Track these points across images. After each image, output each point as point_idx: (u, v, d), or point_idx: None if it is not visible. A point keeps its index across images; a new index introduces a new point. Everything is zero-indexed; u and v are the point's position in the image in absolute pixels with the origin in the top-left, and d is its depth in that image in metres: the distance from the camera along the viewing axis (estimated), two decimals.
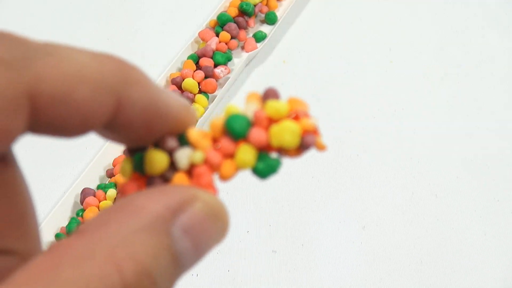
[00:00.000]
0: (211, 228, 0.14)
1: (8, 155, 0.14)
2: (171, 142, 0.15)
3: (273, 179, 0.44)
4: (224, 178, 0.15)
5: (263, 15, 0.52)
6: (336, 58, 0.51)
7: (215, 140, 0.16)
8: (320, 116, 0.48)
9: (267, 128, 0.15)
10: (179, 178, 0.15)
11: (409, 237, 0.42)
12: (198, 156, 0.15)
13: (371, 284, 0.40)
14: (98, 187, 0.41)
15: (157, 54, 0.50)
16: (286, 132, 0.15)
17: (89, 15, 0.53)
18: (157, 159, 0.15)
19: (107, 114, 0.14)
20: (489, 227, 0.43)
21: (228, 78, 0.48)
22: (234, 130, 0.15)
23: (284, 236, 0.42)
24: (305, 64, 0.51)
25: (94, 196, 0.41)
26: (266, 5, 0.52)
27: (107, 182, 0.42)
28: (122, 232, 0.13)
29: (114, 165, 0.43)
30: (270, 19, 0.51)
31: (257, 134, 0.15)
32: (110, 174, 0.42)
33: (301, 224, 0.42)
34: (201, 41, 0.49)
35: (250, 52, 0.49)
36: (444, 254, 0.42)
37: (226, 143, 0.15)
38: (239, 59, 0.49)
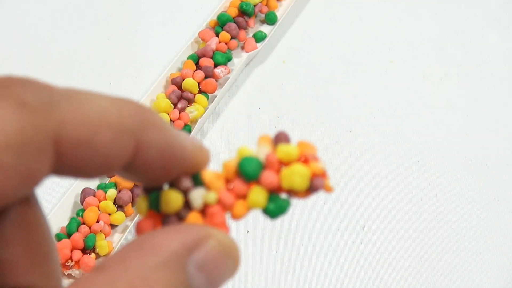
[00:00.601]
0: (224, 265, 0.15)
1: (32, 196, 0.15)
2: (186, 183, 0.16)
3: None
4: (236, 217, 0.16)
5: (263, 15, 0.52)
6: (336, 58, 0.51)
7: (227, 180, 0.16)
8: (320, 116, 0.48)
9: (278, 171, 0.16)
10: (194, 217, 0.16)
11: (409, 237, 0.42)
12: (211, 196, 0.16)
13: (371, 284, 0.40)
14: (98, 187, 0.41)
15: (157, 54, 0.50)
16: (296, 176, 0.16)
17: (89, 15, 0.53)
18: (173, 199, 0.16)
19: (126, 157, 0.15)
20: (489, 227, 0.43)
21: (228, 78, 0.48)
22: (247, 173, 0.16)
23: (284, 236, 0.42)
24: (305, 64, 0.51)
25: (94, 196, 0.41)
26: (266, 5, 0.52)
27: (107, 182, 0.42)
28: (141, 268, 0.13)
29: None
30: (270, 19, 0.51)
31: (269, 177, 0.16)
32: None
33: (301, 224, 0.42)
34: (201, 41, 0.49)
35: (250, 52, 0.49)
36: (444, 254, 0.42)
37: (238, 185, 0.16)
38: (239, 59, 0.49)
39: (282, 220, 0.42)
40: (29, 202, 0.15)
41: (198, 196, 0.16)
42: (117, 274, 0.13)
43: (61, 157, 0.14)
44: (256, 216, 0.46)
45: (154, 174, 0.16)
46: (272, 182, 0.16)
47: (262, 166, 0.16)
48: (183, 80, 0.46)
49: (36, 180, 0.13)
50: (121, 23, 0.53)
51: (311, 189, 0.16)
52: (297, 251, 0.41)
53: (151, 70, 0.49)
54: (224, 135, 0.47)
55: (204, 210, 0.16)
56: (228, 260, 0.15)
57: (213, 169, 0.17)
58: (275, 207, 0.16)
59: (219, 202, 0.16)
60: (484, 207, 0.44)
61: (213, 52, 0.47)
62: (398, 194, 0.44)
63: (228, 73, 0.47)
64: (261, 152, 0.16)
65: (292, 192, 0.16)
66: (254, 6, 0.50)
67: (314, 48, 0.52)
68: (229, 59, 0.48)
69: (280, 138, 0.17)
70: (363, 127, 0.47)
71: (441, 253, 0.42)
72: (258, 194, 0.16)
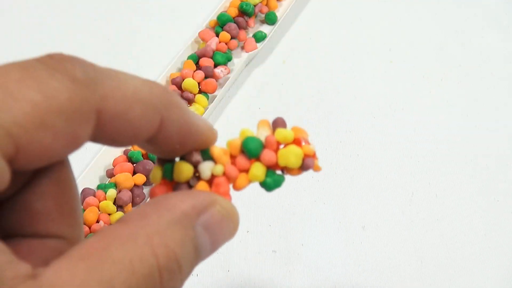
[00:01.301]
0: (226, 227, 0.18)
1: (66, 158, 0.17)
2: (197, 157, 0.19)
3: None
4: (237, 188, 0.19)
5: (263, 15, 0.52)
6: (336, 58, 0.51)
7: (232, 156, 0.19)
8: (320, 116, 0.48)
9: (275, 150, 0.19)
10: (202, 185, 0.19)
11: (409, 237, 0.42)
12: (218, 168, 0.18)
13: (371, 284, 0.40)
14: (98, 187, 0.41)
15: (157, 54, 0.50)
16: (291, 155, 0.19)
17: (89, 15, 0.53)
18: (185, 169, 0.19)
19: (152, 130, 0.17)
20: (489, 227, 0.43)
21: (228, 78, 0.48)
22: (250, 150, 0.19)
23: (284, 236, 0.42)
24: (305, 64, 0.51)
25: (94, 196, 0.41)
26: (266, 5, 0.52)
27: (107, 182, 0.42)
28: (157, 224, 0.15)
29: (114, 165, 0.43)
30: (270, 19, 0.51)
31: (268, 154, 0.19)
32: (110, 174, 0.42)
33: (301, 224, 0.42)
34: (201, 41, 0.49)
35: (250, 52, 0.49)
36: (444, 254, 0.42)
37: (241, 160, 0.19)
38: (239, 59, 0.49)
39: (282, 220, 0.43)
40: (64, 162, 0.17)
41: (207, 168, 0.18)
42: (136, 228, 0.15)
43: (101, 127, 0.16)
44: (256, 216, 0.46)
45: (172, 148, 0.18)
46: (271, 160, 0.19)
47: (262, 146, 0.19)
48: (183, 80, 0.46)
49: (78, 143, 0.15)
50: (121, 23, 0.53)
51: (303, 167, 0.19)
52: (297, 251, 0.41)
53: (151, 70, 0.49)
54: (224, 135, 0.46)
55: (211, 180, 0.19)
56: (229, 223, 0.18)
57: (219, 146, 0.19)
58: (271, 181, 0.19)
59: (225, 174, 0.19)
60: (484, 207, 0.44)
61: (213, 52, 0.47)
62: (398, 194, 0.44)
63: (228, 73, 0.47)
64: (262, 134, 0.19)
65: (286, 169, 0.19)
66: (254, 6, 0.50)
67: (314, 48, 0.52)
68: (229, 59, 0.48)
69: (278, 123, 0.19)
70: (363, 127, 0.47)
71: (441, 253, 0.42)
72: (258, 169, 0.19)
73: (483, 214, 0.44)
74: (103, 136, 0.16)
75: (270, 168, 0.19)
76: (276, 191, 0.43)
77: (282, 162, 0.19)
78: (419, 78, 0.51)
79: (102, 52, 0.50)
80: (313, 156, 0.19)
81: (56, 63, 0.15)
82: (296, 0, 0.53)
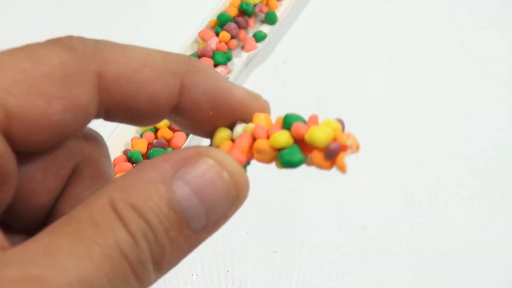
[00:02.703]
0: (223, 189, 0.15)
1: (105, 154, 0.18)
2: (239, 127, 0.17)
3: (273, 179, 0.43)
4: (256, 150, 0.17)
5: (263, 15, 0.52)
6: (336, 58, 0.51)
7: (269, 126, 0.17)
8: (320, 116, 0.48)
9: (308, 127, 0.17)
10: (225, 144, 0.17)
11: (409, 237, 0.42)
12: (250, 126, 0.17)
13: (371, 285, 0.40)
14: None
15: None
16: (319, 131, 0.17)
17: (89, 15, 0.53)
18: (222, 133, 0.17)
19: (172, 96, 0.16)
20: (490, 228, 0.43)
21: (228, 78, 0.47)
22: (286, 119, 0.17)
23: (284, 237, 0.42)
24: (305, 64, 0.51)
25: None
26: (266, 5, 0.52)
27: None
28: (135, 181, 0.14)
29: (114, 165, 0.43)
30: (270, 19, 0.51)
31: (298, 125, 0.17)
32: None
33: (301, 224, 0.42)
34: (201, 41, 0.49)
35: (250, 52, 0.49)
36: (445, 254, 0.42)
37: (274, 127, 0.17)
38: (239, 59, 0.49)
39: (282, 220, 0.42)
40: (101, 157, 0.17)
41: (240, 128, 0.17)
42: (116, 183, 0.14)
43: (106, 92, 0.15)
44: (256, 217, 0.46)
45: (204, 118, 0.17)
46: (299, 130, 0.17)
47: (304, 122, 0.17)
48: None
49: (80, 110, 0.14)
50: (121, 23, 0.53)
51: (327, 151, 0.17)
52: (297, 252, 0.41)
53: None
54: None
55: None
56: (228, 185, 0.15)
57: (265, 114, 0.18)
58: (289, 153, 0.17)
59: (253, 133, 0.17)
60: (484, 207, 0.44)
61: (213, 52, 0.47)
62: (399, 194, 0.44)
63: (228, 73, 0.47)
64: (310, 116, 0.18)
65: (310, 149, 0.17)
66: (254, 5, 0.50)
67: (314, 48, 0.52)
68: (229, 59, 0.48)
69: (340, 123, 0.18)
70: (363, 126, 0.47)
71: (441, 254, 0.42)
72: (282, 134, 0.17)
73: (484, 214, 0.44)
74: (115, 108, 0.15)
75: (297, 143, 0.17)
76: (276, 191, 0.43)
77: (308, 136, 0.17)
78: (419, 78, 0.51)
79: None
80: (343, 147, 0.17)
81: (54, 39, 0.15)
82: (296, 0, 0.53)
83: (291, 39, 0.52)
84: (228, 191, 0.15)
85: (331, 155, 0.17)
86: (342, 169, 0.17)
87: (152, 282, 0.14)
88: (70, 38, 0.15)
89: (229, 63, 0.49)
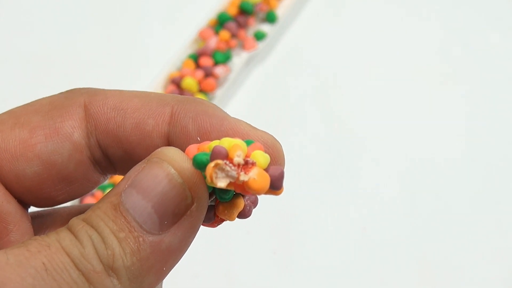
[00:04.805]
0: (162, 179, 0.14)
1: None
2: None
3: None
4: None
5: (263, 14, 0.52)
6: (337, 58, 0.51)
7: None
8: (320, 116, 0.47)
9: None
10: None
11: (410, 238, 0.42)
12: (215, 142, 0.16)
13: (371, 285, 0.40)
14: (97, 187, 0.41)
15: (157, 54, 0.50)
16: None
17: (89, 15, 0.53)
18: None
19: (160, 122, 0.16)
20: (489, 228, 0.43)
21: (228, 77, 0.47)
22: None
23: (284, 238, 0.41)
24: (305, 64, 0.51)
25: (93, 196, 0.40)
26: (267, 4, 0.51)
27: (106, 183, 0.42)
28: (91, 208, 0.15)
29: None
30: (271, 18, 0.51)
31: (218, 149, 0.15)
32: None
33: (301, 225, 0.42)
34: (201, 40, 0.49)
35: (250, 51, 0.49)
36: (445, 254, 0.42)
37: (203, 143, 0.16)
38: (239, 59, 0.49)
39: (282, 221, 0.42)
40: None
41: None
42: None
43: (93, 121, 0.15)
44: (256, 217, 0.46)
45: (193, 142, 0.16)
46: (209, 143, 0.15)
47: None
48: (183, 79, 0.45)
49: (63, 137, 0.15)
50: (121, 22, 0.52)
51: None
52: (297, 252, 0.41)
53: (151, 69, 0.49)
54: None
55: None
56: (167, 174, 0.14)
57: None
58: (199, 156, 0.15)
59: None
60: (485, 208, 0.44)
61: (213, 51, 0.47)
62: (399, 195, 0.44)
63: (228, 72, 0.47)
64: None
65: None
66: (254, 5, 0.49)
67: (315, 47, 0.52)
68: (229, 58, 0.48)
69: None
70: (364, 126, 0.47)
71: (442, 254, 0.42)
72: (203, 148, 0.16)
73: (485, 215, 0.44)
74: (103, 135, 0.15)
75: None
76: None
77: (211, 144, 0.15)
78: (421, 78, 0.50)
79: (102, 52, 0.50)
80: (220, 155, 0.15)
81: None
82: None
83: (292, 38, 0.52)
84: (174, 183, 0.14)
85: (212, 156, 0.15)
86: (207, 177, 0.15)
87: None
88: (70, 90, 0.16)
89: (229, 63, 0.48)
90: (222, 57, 0.47)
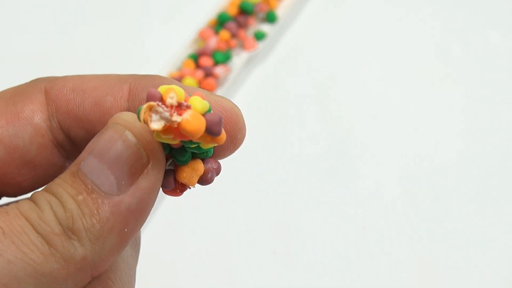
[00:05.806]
0: (115, 140, 0.15)
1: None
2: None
3: (273, 179, 0.43)
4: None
5: (263, 14, 0.52)
6: (337, 57, 0.51)
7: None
8: (320, 116, 0.47)
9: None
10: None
11: (410, 238, 0.42)
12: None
13: (371, 285, 0.40)
14: None
15: (157, 53, 0.50)
16: (163, 87, 0.15)
17: (89, 15, 0.53)
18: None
19: (118, 99, 0.16)
20: (491, 228, 0.43)
21: (228, 77, 0.47)
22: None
23: (284, 237, 0.41)
24: (305, 64, 0.51)
25: None
26: (267, 4, 0.51)
27: None
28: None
29: None
30: (271, 18, 0.51)
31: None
32: None
33: (301, 224, 0.42)
34: (201, 40, 0.49)
35: (250, 51, 0.49)
36: (445, 254, 0.42)
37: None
38: (239, 58, 0.49)
39: (282, 221, 0.42)
40: None
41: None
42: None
43: (54, 103, 0.15)
44: (256, 217, 0.46)
45: None
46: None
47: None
48: (183, 79, 0.45)
49: (24, 121, 0.15)
50: (121, 22, 0.52)
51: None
52: (297, 252, 0.41)
53: (151, 69, 0.48)
54: None
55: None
56: (120, 135, 0.15)
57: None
58: (140, 107, 0.15)
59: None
60: (485, 208, 0.44)
61: (213, 51, 0.47)
62: (399, 195, 0.44)
63: (228, 72, 0.47)
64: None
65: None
66: (254, 5, 0.50)
67: (315, 47, 0.52)
68: (229, 58, 0.48)
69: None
70: (364, 126, 0.47)
71: (442, 254, 0.42)
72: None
73: (485, 215, 0.44)
74: (64, 116, 0.16)
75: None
76: (276, 192, 0.43)
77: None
78: (420, 78, 0.50)
79: (102, 51, 0.50)
80: (155, 98, 0.15)
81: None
82: None
83: (292, 38, 0.52)
84: (128, 143, 0.15)
85: (146, 99, 0.15)
86: (141, 119, 0.15)
87: (77, 252, 0.14)
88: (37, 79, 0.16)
89: (229, 62, 0.48)
90: (222, 57, 0.47)
